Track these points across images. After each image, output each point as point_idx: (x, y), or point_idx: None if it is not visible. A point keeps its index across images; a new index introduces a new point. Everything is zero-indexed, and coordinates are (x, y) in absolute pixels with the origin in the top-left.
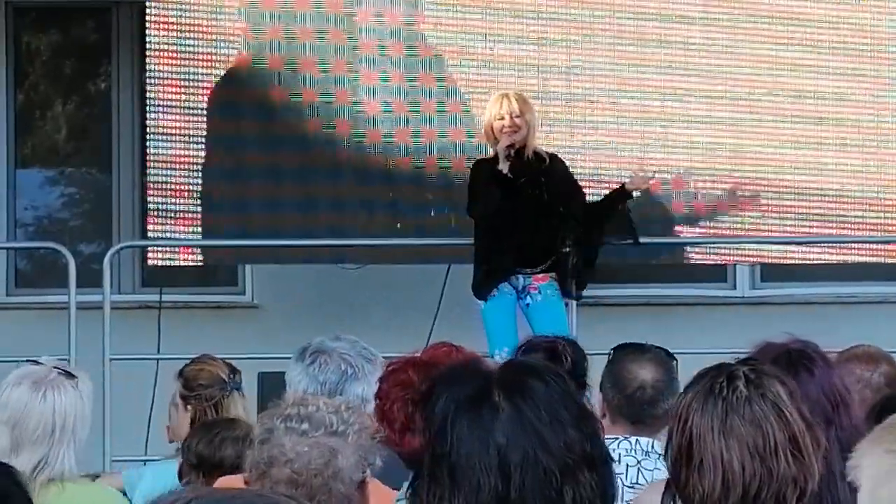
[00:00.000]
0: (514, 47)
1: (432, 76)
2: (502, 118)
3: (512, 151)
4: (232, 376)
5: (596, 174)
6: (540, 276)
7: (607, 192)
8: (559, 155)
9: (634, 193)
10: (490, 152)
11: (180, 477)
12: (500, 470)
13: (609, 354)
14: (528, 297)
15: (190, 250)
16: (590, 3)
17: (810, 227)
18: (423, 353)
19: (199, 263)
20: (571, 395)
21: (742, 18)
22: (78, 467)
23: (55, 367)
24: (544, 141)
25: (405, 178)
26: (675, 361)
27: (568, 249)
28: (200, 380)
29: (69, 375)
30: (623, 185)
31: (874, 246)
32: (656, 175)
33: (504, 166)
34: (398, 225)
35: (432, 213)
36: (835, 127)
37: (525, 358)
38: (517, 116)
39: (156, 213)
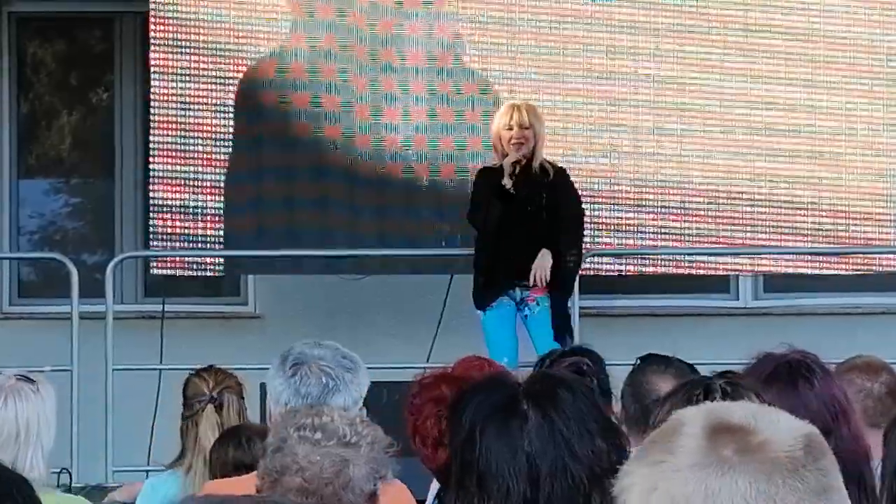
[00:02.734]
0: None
1: (449, 84)
2: (510, 128)
3: (517, 168)
4: (214, 390)
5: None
6: (536, 288)
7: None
8: (567, 168)
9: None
10: (492, 160)
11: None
12: (528, 477)
13: (634, 363)
14: (527, 308)
15: (211, 260)
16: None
17: (813, 238)
18: (454, 367)
19: (202, 273)
20: (598, 407)
21: (726, 31)
22: (78, 478)
23: (15, 375)
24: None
25: (411, 188)
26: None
27: (571, 263)
28: (186, 393)
29: (29, 381)
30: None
31: (877, 257)
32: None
33: (508, 182)
34: (436, 228)
35: (431, 227)
36: (837, 139)
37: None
38: (525, 128)
39: (159, 217)
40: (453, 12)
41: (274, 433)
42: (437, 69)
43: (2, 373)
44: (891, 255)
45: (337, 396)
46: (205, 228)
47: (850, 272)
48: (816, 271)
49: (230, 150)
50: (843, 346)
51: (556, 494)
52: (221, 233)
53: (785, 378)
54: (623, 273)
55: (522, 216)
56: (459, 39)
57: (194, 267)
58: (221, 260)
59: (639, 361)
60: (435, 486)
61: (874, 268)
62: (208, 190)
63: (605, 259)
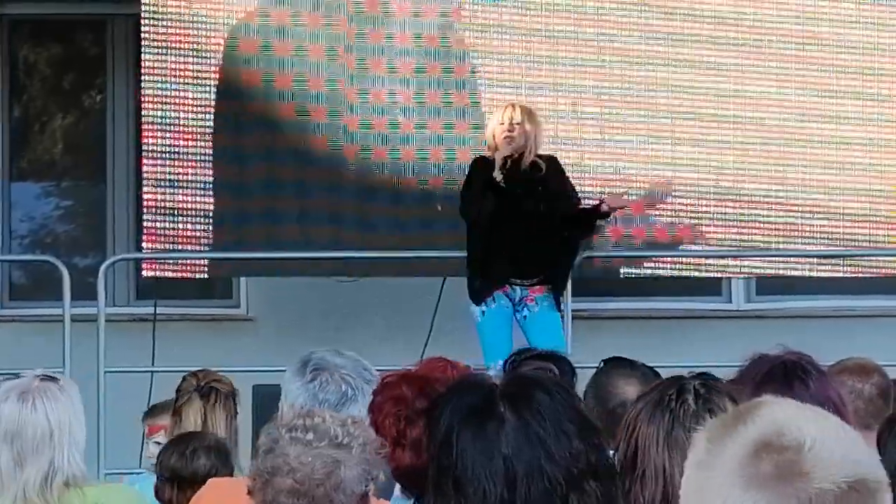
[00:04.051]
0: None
1: (439, 94)
2: (503, 123)
3: (509, 162)
4: (202, 381)
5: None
6: (536, 287)
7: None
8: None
9: (611, 213)
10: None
11: (157, 494)
12: (505, 480)
13: (599, 365)
14: (525, 308)
15: (198, 263)
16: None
17: (805, 241)
18: (417, 367)
19: (194, 276)
20: (576, 408)
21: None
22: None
23: (38, 375)
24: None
25: (400, 191)
26: None
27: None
28: (178, 388)
29: (53, 380)
30: (601, 201)
31: (868, 259)
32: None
33: (498, 175)
34: (439, 208)
35: (418, 228)
36: (831, 148)
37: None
38: (517, 124)
39: (151, 220)
40: None
41: (265, 434)
42: (424, 50)
43: (23, 375)
44: (882, 257)
45: (353, 406)
46: (196, 231)
47: (844, 275)
48: (809, 273)
49: (216, 158)
50: (835, 348)
51: (533, 496)
52: (214, 235)
53: (780, 379)
54: (616, 274)
55: (516, 212)
56: (448, 19)
57: (185, 269)
58: (212, 262)
59: (602, 364)
60: (398, 488)
61: (872, 270)
62: (200, 193)
63: (592, 262)
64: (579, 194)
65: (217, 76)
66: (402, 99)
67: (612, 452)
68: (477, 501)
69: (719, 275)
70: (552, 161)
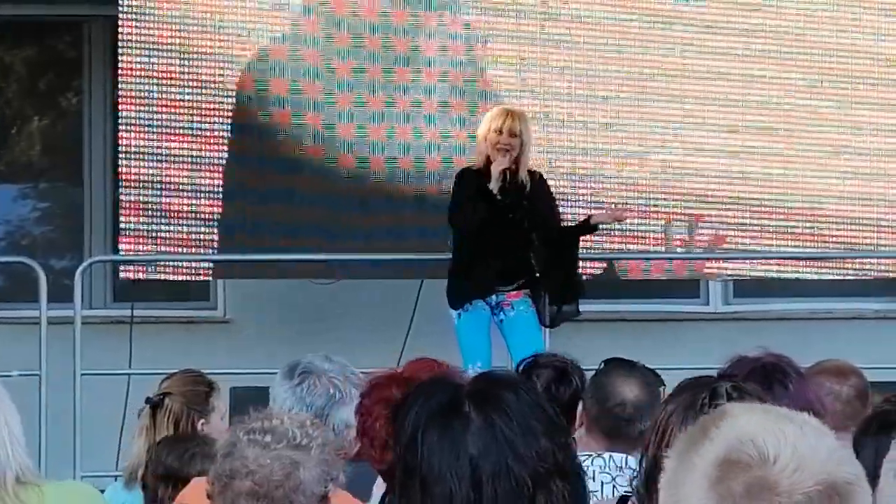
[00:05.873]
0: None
1: (434, 100)
2: (499, 132)
3: (508, 175)
4: (159, 393)
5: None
6: (513, 292)
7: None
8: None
9: (600, 226)
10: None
11: (145, 488)
12: (471, 480)
13: (599, 366)
14: (502, 312)
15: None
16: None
17: (785, 242)
18: (405, 368)
19: (169, 278)
20: (542, 406)
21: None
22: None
23: None
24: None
25: (381, 193)
26: (662, 387)
27: (538, 275)
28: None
29: None
30: (589, 216)
31: (848, 262)
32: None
33: (495, 186)
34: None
35: (401, 231)
36: (816, 141)
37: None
38: (513, 136)
39: (128, 222)
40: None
41: (224, 438)
42: (450, 86)
43: None
44: (869, 259)
45: (342, 410)
46: (174, 233)
47: (827, 276)
48: (793, 275)
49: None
50: (812, 350)
51: (500, 496)
52: (192, 236)
53: (760, 381)
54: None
55: (504, 221)
56: (472, 56)
57: (163, 271)
58: (190, 264)
59: (603, 364)
60: (378, 489)
61: (861, 273)
62: (178, 194)
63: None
64: (581, 200)
65: (202, 93)
66: (400, 107)
67: (623, 457)
68: (443, 501)
69: (699, 276)
70: (540, 178)
